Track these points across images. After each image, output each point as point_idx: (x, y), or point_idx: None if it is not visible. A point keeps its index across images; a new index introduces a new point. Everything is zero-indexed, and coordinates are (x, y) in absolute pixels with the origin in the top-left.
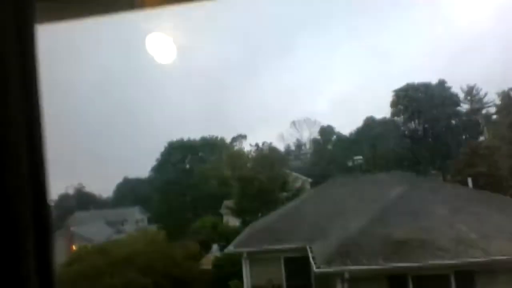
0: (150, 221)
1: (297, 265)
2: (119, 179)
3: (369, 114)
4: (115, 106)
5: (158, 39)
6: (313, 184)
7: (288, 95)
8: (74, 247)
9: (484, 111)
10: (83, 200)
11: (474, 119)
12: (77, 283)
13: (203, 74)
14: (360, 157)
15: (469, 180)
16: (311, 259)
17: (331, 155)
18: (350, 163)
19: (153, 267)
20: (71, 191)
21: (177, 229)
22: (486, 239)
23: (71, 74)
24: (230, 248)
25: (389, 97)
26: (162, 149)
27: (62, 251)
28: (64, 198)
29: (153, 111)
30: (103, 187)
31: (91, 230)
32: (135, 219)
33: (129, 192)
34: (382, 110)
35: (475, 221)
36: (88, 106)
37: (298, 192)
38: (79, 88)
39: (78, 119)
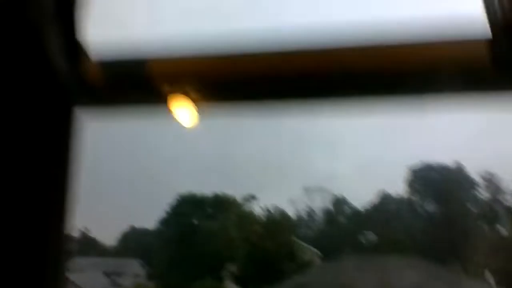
0: (149, 276)
1: None
2: (126, 228)
3: (383, 188)
4: (129, 154)
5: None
6: (322, 258)
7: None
8: None
9: (504, 201)
10: (85, 245)
11: (492, 207)
12: None
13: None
14: (373, 234)
15: (491, 277)
16: None
17: (343, 228)
18: (362, 239)
19: None
20: (76, 234)
21: None
22: None
23: None
24: None
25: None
26: (172, 200)
27: None
28: (68, 239)
29: (166, 160)
30: (109, 234)
31: (86, 279)
32: (133, 273)
33: (134, 242)
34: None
35: None
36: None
37: (305, 265)
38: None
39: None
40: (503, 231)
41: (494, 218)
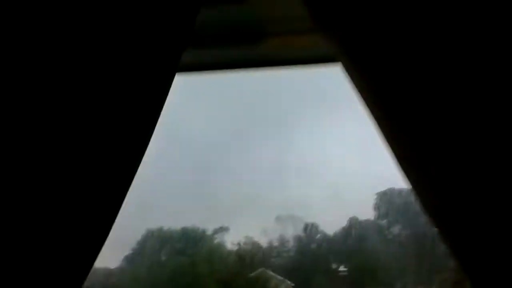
0: None
1: None
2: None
3: (352, 213)
4: None
5: None
6: None
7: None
8: None
9: None
10: None
11: None
12: None
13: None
14: (344, 260)
15: None
16: None
17: (314, 255)
18: (334, 265)
19: None
20: None
21: None
22: None
23: None
24: None
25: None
26: (139, 237)
27: None
28: None
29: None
30: None
31: None
32: None
33: (94, 284)
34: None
35: None
36: None
37: None
38: None
39: None
40: None
41: None
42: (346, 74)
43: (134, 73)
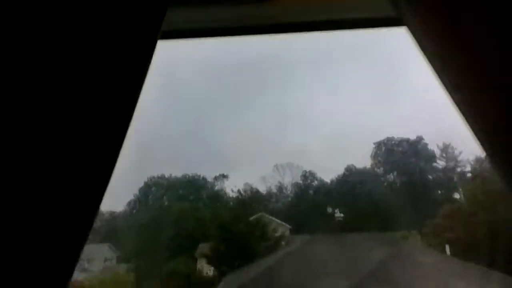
0: (119, 260)
1: None
2: None
3: (350, 161)
4: None
5: None
6: (293, 231)
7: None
8: None
9: (458, 169)
10: None
11: (449, 176)
12: None
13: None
14: (340, 206)
15: (447, 247)
16: None
17: (311, 201)
18: (330, 210)
19: None
20: None
21: (148, 271)
22: None
23: None
24: None
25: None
26: (141, 183)
27: None
28: None
29: (134, 139)
30: None
31: None
32: (104, 257)
33: (101, 226)
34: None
35: None
36: None
37: (278, 241)
38: None
39: None
40: (459, 199)
41: (451, 187)
42: (412, 37)
43: (112, 36)
